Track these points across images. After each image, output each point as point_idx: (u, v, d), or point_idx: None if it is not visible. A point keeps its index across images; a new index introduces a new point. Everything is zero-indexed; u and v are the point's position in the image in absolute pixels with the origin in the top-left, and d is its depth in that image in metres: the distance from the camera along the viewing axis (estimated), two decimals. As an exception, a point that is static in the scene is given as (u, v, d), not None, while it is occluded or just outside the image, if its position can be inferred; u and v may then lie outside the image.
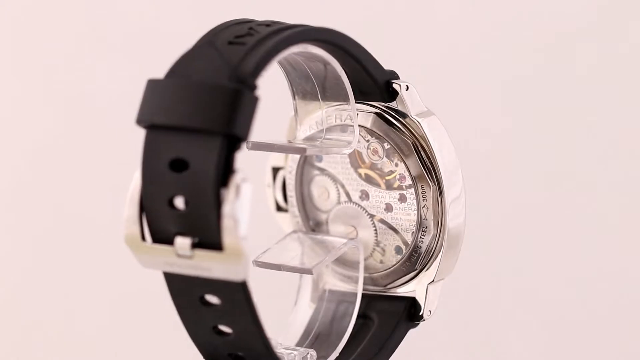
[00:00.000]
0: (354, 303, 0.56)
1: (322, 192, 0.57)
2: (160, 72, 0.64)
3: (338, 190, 0.57)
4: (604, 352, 0.63)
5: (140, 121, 0.43)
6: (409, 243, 0.55)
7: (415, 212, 0.54)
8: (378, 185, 0.56)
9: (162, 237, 0.42)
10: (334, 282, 0.58)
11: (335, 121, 0.54)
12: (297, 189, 0.57)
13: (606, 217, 0.74)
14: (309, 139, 0.54)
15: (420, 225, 0.54)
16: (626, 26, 0.77)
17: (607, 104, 0.77)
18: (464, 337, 0.65)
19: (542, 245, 0.74)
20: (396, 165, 0.54)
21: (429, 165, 0.53)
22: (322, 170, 0.57)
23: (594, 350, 0.63)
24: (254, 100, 0.42)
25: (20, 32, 0.87)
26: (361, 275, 0.56)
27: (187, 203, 0.42)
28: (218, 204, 0.41)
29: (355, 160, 0.56)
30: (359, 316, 0.55)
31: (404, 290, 0.56)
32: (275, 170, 0.58)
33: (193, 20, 0.82)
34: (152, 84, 0.43)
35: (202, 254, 0.42)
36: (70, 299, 0.71)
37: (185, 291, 0.44)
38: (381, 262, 0.56)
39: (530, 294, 0.69)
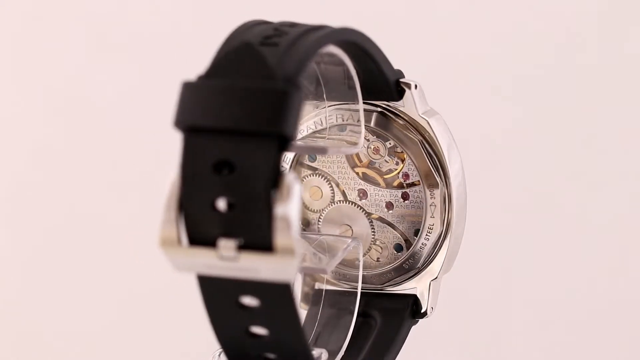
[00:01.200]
0: (352, 302, 0.56)
1: (315, 191, 0.57)
2: (160, 72, 0.63)
3: (332, 189, 0.56)
4: (603, 351, 0.64)
5: (179, 124, 0.41)
6: (411, 241, 0.55)
7: (421, 210, 0.55)
8: (377, 184, 0.56)
9: (202, 239, 0.41)
10: (329, 282, 0.58)
11: (336, 120, 0.54)
12: None
13: (606, 217, 0.76)
14: (309, 138, 0.54)
15: (426, 223, 0.54)
16: (628, 28, 0.78)
17: (607, 104, 0.78)
18: (462, 335, 0.66)
19: (542, 244, 0.74)
20: (397, 163, 0.55)
21: (437, 163, 0.54)
22: (314, 169, 0.57)
23: (593, 350, 0.64)
24: (301, 100, 0.41)
25: (20, 33, 0.86)
26: (360, 273, 0.56)
27: (233, 205, 0.41)
28: (270, 205, 0.40)
29: (352, 159, 0.56)
30: (358, 315, 0.55)
31: (403, 288, 0.56)
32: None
33: (193, 21, 0.82)
34: (191, 86, 0.42)
35: (249, 256, 0.41)
36: (69, 299, 0.71)
37: (220, 293, 0.43)
38: (378, 260, 0.56)
39: (529, 293, 0.70)
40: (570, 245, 0.74)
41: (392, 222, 0.56)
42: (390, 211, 0.56)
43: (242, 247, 0.41)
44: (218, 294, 0.44)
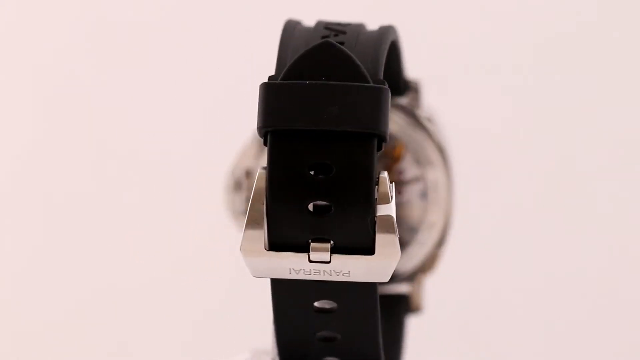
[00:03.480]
0: None
1: None
2: (160, 73, 0.61)
3: None
4: (603, 351, 0.66)
5: (268, 127, 0.40)
6: (401, 238, 0.55)
7: (418, 206, 0.55)
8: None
9: (291, 243, 0.40)
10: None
11: None
12: None
13: (605, 216, 0.77)
14: None
15: (424, 219, 0.55)
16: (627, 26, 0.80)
17: (607, 104, 0.79)
18: (461, 335, 0.66)
19: (541, 243, 0.75)
20: (397, 158, 0.55)
21: (441, 158, 0.54)
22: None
23: (592, 349, 0.66)
24: (390, 98, 0.41)
25: (18, 32, 0.82)
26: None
27: (330, 207, 0.40)
28: (372, 206, 0.40)
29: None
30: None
31: (394, 285, 0.56)
32: (249, 173, 0.56)
33: (193, 21, 0.80)
34: (276, 88, 0.40)
35: (343, 258, 0.40)
36: (69, 298, 0.70)
37: (295, 298, 0.42)
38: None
39: (528, 292, 0.71)
40: (570, 245, 0.76)
41: None
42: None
43: (335, 250, 0.40)
44: (293, 299, 0.42)
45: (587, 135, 0.78)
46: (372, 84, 0.40)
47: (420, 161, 0.55)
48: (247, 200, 0.55)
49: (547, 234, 0.77)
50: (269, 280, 0.51)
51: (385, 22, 0.47)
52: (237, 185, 0.56)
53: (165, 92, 0.74)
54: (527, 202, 0.77)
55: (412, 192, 0.55)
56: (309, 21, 0.48)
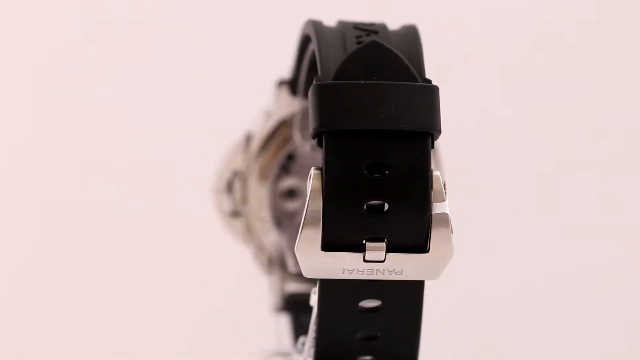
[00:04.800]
0: None
1: (291, 192, 0.56)
2: (160, 73, 0.60)
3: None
4: (603, 351, 0.67)
5: (324, 127, 0.40)
6: None
7: None
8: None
9: (346, 243, 0.40)
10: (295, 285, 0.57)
11: None
12: None
13: (605, 217, 0.77)
14: None
15: None
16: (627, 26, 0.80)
17: (606, 103, 0.79)
18: (461, 335, 0.66)
19: (540, 243, 0.75)
20: None
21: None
22: (291, 170, 0.56)
23: (593, 350, 0.67)
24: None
25: (18, 32, 0.81)
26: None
27: (386, 206, 0.40)
28: (429, 205, 0.40)
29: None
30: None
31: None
32: (236, 174, 0.55)
33: (193, 21, 0.78)
34: (329, 89, 0.40)
35: (397, 257, 0.40)
36: (69, 298, 0.70)
37: (342, 298, 0.42)
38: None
39: (528, 292, 0.71)
40: (569, 245, 0.76)
41: None
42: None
43: (389, 249, 0.41)
44: (340, 299, 0.42)
45: (587, 135, 0.79)
46: (423, 83, 0.41)
47: None
48: (240, 201, 0.55)
49: (547, 234, 0.78)
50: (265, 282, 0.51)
51: (384, 21, 0.47)
52: (226, 187, 0.56)
53: (165, 93, 0.73)
54: (527, 202, 0.77)
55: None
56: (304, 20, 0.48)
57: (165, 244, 0.71)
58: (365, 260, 0.40)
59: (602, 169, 0.79)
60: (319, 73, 0.42)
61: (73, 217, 0.77)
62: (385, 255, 0.40)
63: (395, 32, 0.45)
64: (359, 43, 0.43)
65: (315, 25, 0.45)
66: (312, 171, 0.41)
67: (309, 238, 0.40)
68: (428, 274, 0.41)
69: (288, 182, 0.56)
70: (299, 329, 0.55)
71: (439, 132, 0.41)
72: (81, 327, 0.68)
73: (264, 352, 0.51)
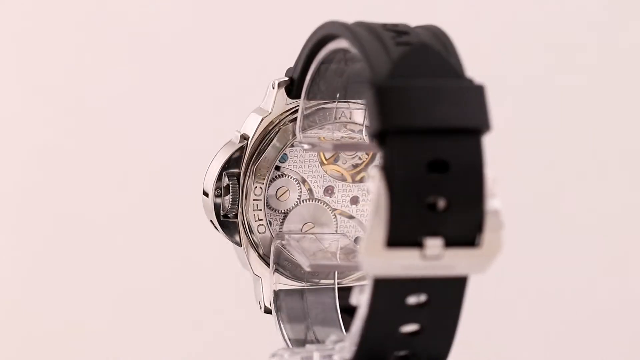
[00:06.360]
0: (320, 300, 0.56)
1: (283, 192, 0.56)
2: (160, 74, 0.59)
3: (300, 189, 0.56)
4: (603, 351, 0.68)
5: (384, 127, 0.41)
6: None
7: None
8: (344, 180, 0.56)
9: (407, 240, 0.41)
10: (285, 282, 0.57)
11: (329, 119, 0.54)
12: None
13: (605, 217, 0.77)
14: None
15: None
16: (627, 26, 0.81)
17: (606, 103, 0.80)
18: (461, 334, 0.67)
19: (539, 243, 0.75)
20: (359, 158, 0.56)
21: None
22: (283, 170, 0.56)
23: (593, 350, 0.68)
24: None
25: (19, 32, 0.80)
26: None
27: (446, 203, 0.41)
28: (484, 201, 0.41)
29: (320, 156, 0.56)
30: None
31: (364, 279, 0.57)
32: (230, 175, 0.55)
33: (193, 21, 0.77)
34: (388, 89, 0.41)
35: (453, 253, 0.41)
36: (71, 298, 0.70)
37: (391, 294, 0.43)
38: (340, 253, 0.57)
39: (527, 291, 0.71)
40: (569, 244, 0.77)
41: (355, 215, 0.57)
42: (355, 205, 0.57)
43: (446, 245, 0.42)
44: (391, 295, 0.43)
45: (587, 136, 0.80)
46: (474, 82, 0.42)
47: None
48: (232, 202, 0.54)
49: (546, 234, 0.79)
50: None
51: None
52: (215, 190, 0.55)
53: (165, 93, 0.71)
54: (526, 202, 0.78)
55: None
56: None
57: (164, 244, 0.70)
58: (424, 257, 0.42)
59: (601, 169, 0.80)
60: (369, 74, 0.42)
61: (73, 217, 0.76)
62: (444, 251, 0.42)
63: (423, 34, 0.46)
64: (397, 44, 0.44)
65: (347, 27, 0.45)
66: (373, 171, 0.41)
67: (375, 237, 0.41)
68: (477, 268, 0.43)
69: (281, 182, 0.56)
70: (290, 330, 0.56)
71: (490, 128, 0.42)
72: (81, 327, 0.67)
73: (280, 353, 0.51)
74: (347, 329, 0.56)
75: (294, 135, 0.54)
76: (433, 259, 0.42)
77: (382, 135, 0.41)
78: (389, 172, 0.41)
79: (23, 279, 0.74)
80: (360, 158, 0.57)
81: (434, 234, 0.41)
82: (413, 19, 0.48)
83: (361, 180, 0.57)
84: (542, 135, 0.81)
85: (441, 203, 0.41)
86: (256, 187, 0.54)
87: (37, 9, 0.78)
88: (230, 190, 0.54)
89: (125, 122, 0.74)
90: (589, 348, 0.76)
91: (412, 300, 0.44)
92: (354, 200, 0.57)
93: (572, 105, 0.82)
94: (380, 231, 0.41)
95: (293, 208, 0.56)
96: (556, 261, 0.80)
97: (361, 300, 0.44)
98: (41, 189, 0.78)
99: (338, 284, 0.57)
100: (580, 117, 0.82)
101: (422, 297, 0.44)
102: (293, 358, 0.49)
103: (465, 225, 0.42)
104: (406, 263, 0.42)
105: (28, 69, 0.79)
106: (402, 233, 0.41)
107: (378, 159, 0.57)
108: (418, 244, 0.41)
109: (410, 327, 0.45)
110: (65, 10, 0.79)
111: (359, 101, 0.54)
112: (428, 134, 0.41)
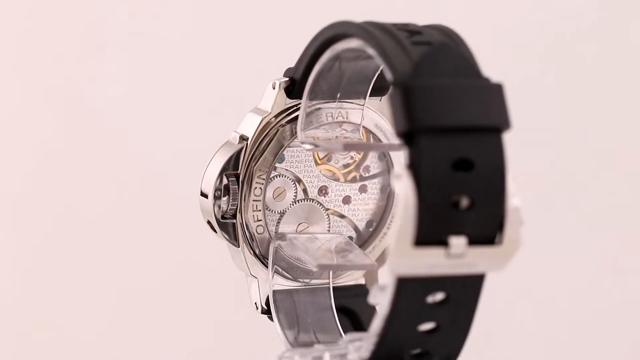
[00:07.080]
0: (316, 300, 0.56)
1: (280, 192, 0.56)
2: (160, 74, 0.58)
3: (296, 189, 0.56)
4: (603, 351, 0.68)
5: (411, 127, 0.41)
6: (362, 232, 0.57)
7: (378, 201, 0.57)
8: (337, 179, 0.57)
9: (433, 239, 0.41)
10: (281, 282, 0.57)
11: (327, 119, 0.54)
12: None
13: (605, 217, 0.77)
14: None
15: (387, 213, 0.57)
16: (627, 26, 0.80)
17: (606, 103, 0.79)
18: None
19: (539, 243, 0.75)
20: (351, 158, 0.56)
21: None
22: (279, 171, 0.56)
23: (593, 349, 0.68)
24: None
25: (20, 32, 0.79)
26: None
27: (470, 202, 0.41)
28: (506, 199, 0.41)
29: (315, 156, 0.56)
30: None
31: (350, 279, 0.58)
32: (229, 176, 0.54)
33: (193, 21, 0.76)
34: (416, 89, 0.41)
35: (475, 251, 0.42)
36: (72, 298, 0.70)
37: (416, 293, 0.43)
38: (332, 252, 0.57)
39: (526, 291, 0.71)
40: (569, 244, 0.77)
41: (347, 215, 0.57)
42: (347, 205, 0.57)
43: (469, 243, 0.42)
44: (413, 294, 0.43)
45: (587, 135, 0.80)
46: (492, 82, 0.43)
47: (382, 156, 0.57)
48: (231, 203, 0.54)
49: (546, 234, 0.79)
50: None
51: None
52: (215, 191, 0.55)
53: (164, 93, 0.70)
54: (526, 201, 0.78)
55: (374, 186, 0.57)
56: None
57: (162, 245, 0.69)
58: (448, 256, 0.42)
59: (601, 169, 0.81)
60: (391, 74, 0.43)
61: (72, 217, 0.76)
62: (467, 249, 0.42)
63: (436, 33, 0.46)
64: (413, 43, 0.44)
65: (362, 26, 0.45)
66: (401, 170, 0.41)
67: (405, 236, 0.41)
68: (497, 266, 0.43)
69: (279, 182, 0.56)
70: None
71: (510, 127, 0.43)
72: (80, 327, 0.66)
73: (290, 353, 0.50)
74: (343, 329, 0.56)
75: (292, 135, 0.54)
76: (457, 257, 0.42)
77: (410, 134, 0.41)
78: (417, 171, 0.41)
79: (22, 278, 0.74)
80: (352, 157, 0.57)
81: (458, 232, 0.42)
82: (413, 19, 0.49)
83: (352, 180, 0.57)
84: (541, 135, 0.82)
85: (464, 201, 0.42)
86: (256, 187, 0.54)
87: (37, 9, 0.77)
88: (230, 191, 0.54)
89: (125, 122, 0.73)
90: (590, 348, 0.76)
91: (431, 298, 0.44)
92: (346, 200, 0.57)
93: (572, 105, 0.83)
94: (409, 230, 0.41)
95: (289, 208, 0.56)
96: (556, 261, 0.81)
97: (381, 299, 0.44)
98: (40, 189, 0.78)
99: (333, 284, 0.58)
100: (580, 117, 0.83)
101: (440, 296, 0.44)
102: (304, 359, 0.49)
103: (487, 223, 0.42)
104: (431, 262, 0.42)
105: (28, 69, 0.78)
106: (430, 232, 0.42)
107: (378, 159, 0.57)
108: (444, 242, 0.42)
109: (427, 325, 0.45)
110: (65, 10, 0.78)
111: (356, 101, 0.54)
112: (454, 133, 0.42)
